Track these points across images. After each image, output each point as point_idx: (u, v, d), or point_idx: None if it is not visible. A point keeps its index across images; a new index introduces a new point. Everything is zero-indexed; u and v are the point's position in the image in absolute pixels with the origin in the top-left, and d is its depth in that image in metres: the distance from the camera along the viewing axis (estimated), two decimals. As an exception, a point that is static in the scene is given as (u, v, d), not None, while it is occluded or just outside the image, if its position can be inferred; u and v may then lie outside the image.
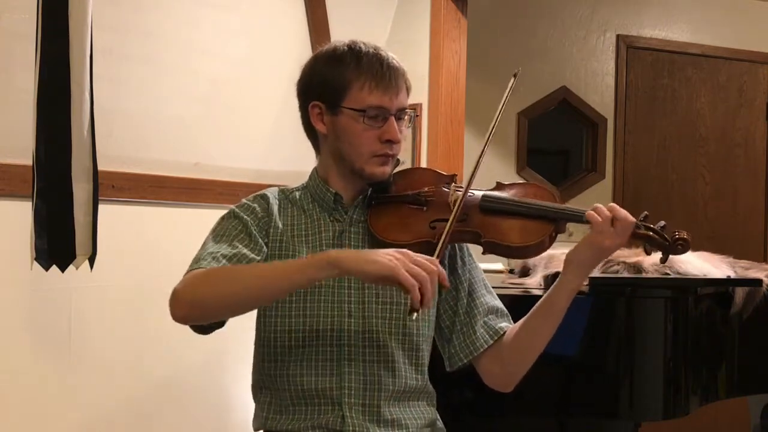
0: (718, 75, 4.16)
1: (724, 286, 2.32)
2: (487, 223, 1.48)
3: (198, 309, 1.33)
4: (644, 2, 4.05)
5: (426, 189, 1.53)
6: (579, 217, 1.44)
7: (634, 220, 1.42)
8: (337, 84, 1.46)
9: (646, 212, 1.47)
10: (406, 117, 1.51)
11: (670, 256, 1.46)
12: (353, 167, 1.48)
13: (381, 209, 1.51)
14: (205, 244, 1.45)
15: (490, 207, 1.49)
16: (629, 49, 4.03)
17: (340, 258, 1.26)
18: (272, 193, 1.55)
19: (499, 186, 1.57)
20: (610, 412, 2.16)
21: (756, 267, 2.52)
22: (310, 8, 2.76)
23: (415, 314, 1.25)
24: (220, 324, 1.41)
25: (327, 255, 1.28)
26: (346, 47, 1.49)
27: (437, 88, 2.96)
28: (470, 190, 1.49)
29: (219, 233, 1.46)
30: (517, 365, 1.51)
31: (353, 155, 1.48)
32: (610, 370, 2.15)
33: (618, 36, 4.00)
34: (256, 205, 1.50)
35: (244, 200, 1.52)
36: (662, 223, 1.46)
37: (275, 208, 1.51)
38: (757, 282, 2.34)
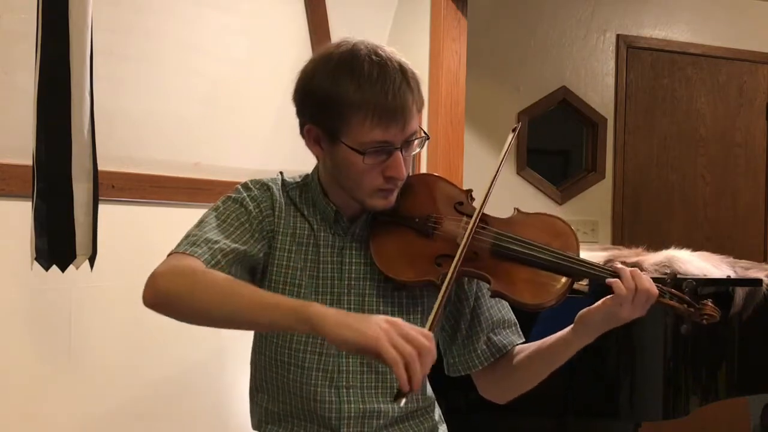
0: (718, 75, 4.16)
1: (724, 286, 2.32)
2: (498, 268, 1.36)
3: (168, 306, 1.24)
4: (644, 2, 4.05)
5: (434, 215, 1.40)
6: (601, 279, 1.35)
7: (657, 293, 1.34)
8: (335, 114, 1.29)
9: (674, 273, 1.39)
10: (415, 142, 1.34)
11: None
12: (353, 197, 1.38)
13: (384, 232, 1.39)
14: (204, 222, 1.35)
15: (503, 252, 1.37)
16: (629, 49, 4.02)
17: (320, 320, 1.11)
18: (276, 186, 1.44)
19: (518, 216, 1.43)
20: (610, 412, 2.16)
21: (756, 267, 2.52)
22: (310, 8, 2.75)
23: (403, 400, 1.07)
24: None
25: (309, 310, 1.13)
26: (345, 63, 1.29)
27: (437, 88, 2.95)
28: (484, 224, 1.38)
29: (222, 217, 1.36)
30: (510, 390, 1.49)
31: (353, 188, 1.36)
32: (611, 371, 2.15)
33: (618, 36, 4.00)
34: (262, 198, 1.41)
35: (250, 184, 1.42)
36: (692, 283, 1.39)
37: (277, 205, 1.42)
38: (757, 282, 2.35)
